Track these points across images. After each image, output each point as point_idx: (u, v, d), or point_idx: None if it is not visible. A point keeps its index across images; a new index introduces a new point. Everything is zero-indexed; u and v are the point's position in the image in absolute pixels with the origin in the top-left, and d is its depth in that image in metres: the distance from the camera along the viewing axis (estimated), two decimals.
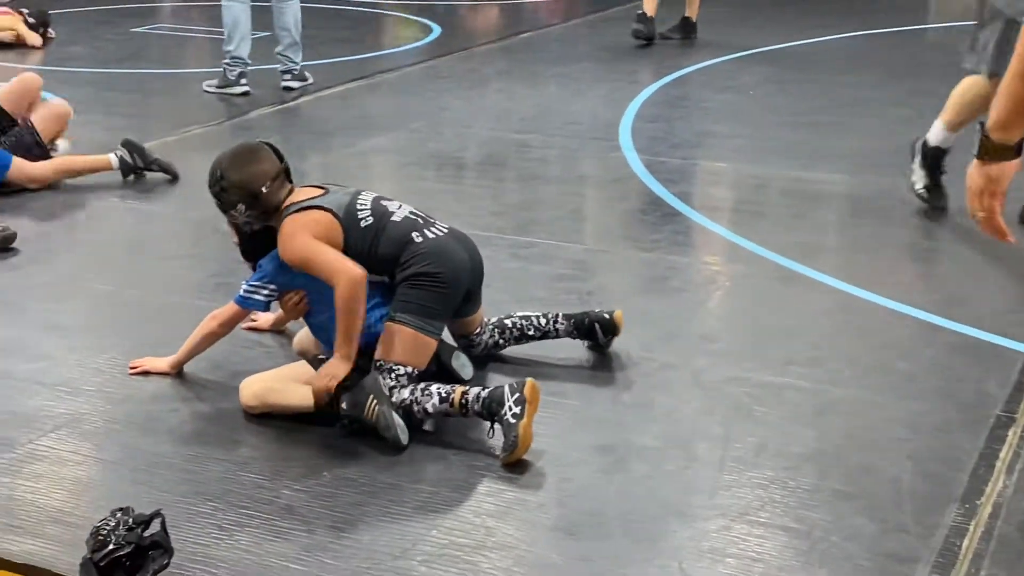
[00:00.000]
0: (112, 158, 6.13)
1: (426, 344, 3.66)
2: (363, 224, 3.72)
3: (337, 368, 3.60)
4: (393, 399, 3.56)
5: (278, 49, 8.25)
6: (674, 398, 3.84)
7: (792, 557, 3.00)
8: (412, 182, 6.37)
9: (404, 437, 3.50)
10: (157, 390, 3.89)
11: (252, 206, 3.74)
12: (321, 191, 3.82)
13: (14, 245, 5.15)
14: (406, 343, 3.62)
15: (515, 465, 3.41)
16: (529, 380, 3.48)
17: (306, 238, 3.63)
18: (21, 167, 5.90)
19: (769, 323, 4.44)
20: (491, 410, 3.47)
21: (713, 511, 3.20)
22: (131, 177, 6.14)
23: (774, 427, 3.64)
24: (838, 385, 3.93)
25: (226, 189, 3.77)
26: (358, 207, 3.76)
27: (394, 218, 3.78)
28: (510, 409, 3.42)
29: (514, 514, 3.20)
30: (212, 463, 3.44)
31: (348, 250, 3.68)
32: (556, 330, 4.07)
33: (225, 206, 3.81)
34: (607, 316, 4.06)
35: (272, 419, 3.66)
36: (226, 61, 8.10)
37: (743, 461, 3.44)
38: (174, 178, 6.16)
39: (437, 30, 10.76)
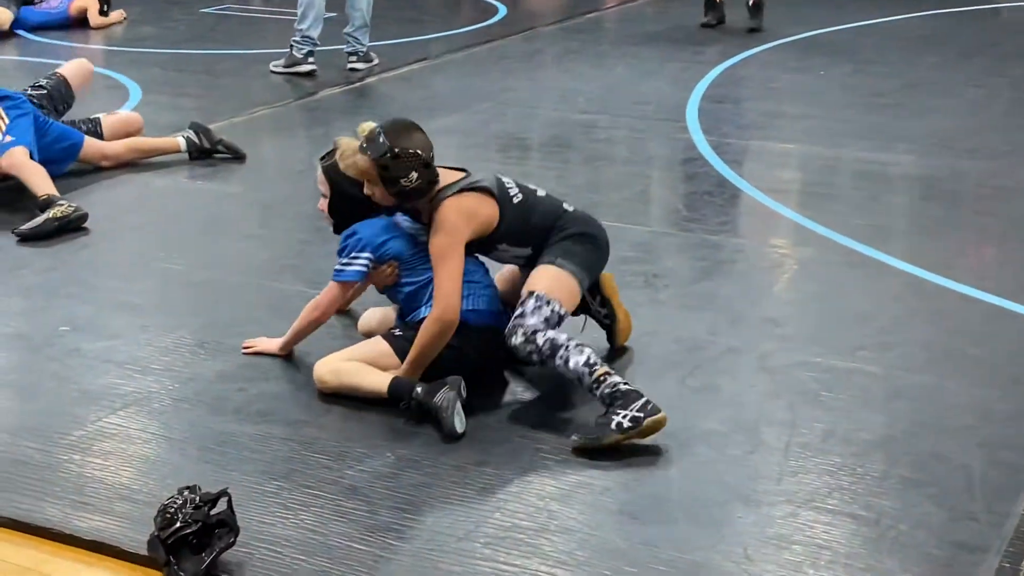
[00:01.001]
0: (180, 140, 6.19)
1: (578, 294, 3.75)
2: (515, 200, 3.80)
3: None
4: (549, 335, 3.56)
5: (347, 30, 8.27)
6: (740, 382, 3.81)
7: (860, 545, 2.97)
8: (477, 163, 6.28)
9: (460, 426, 3.48)
10: (224, 370, 3.92)
11: (423, 176, 3.66)
12: (464, 173, 3.83)
13: (85, 224, 5.21)
14: (565, 287, 3.70)
15: (581, 450, 3.39)
16: (662, 414, 3.38)
17: (460, 230, 3.65)
18: (94, 144, 5.98)
19: (838, 307, 4.39)
20: (612, 400, 3.44)
21: (779, 497, 3.17)
22: (198, 158, 6.19)
23: (842, 413, 3.59)
24: (908, 371, 3.87)
25: (399, 156, 3.61)
26: (507, 186, 3.83)
27: (539, 194, 3.89)
28: (625, 417, 3.39)
29: (577, 497, 3.18)
30: (277, 443, 3.46)
31: (503, 224, 3.74)
32: None
33: (394, 174, 3.62)
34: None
35: (337, 400, 3.68)
36: (296, 39, 8.14)
37: (810, 447, 3.40)
38: (240, 158, 6.20)
39: (503, 10, 10.74)
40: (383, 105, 7.56)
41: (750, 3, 9.45)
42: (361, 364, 3.68)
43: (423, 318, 3.68)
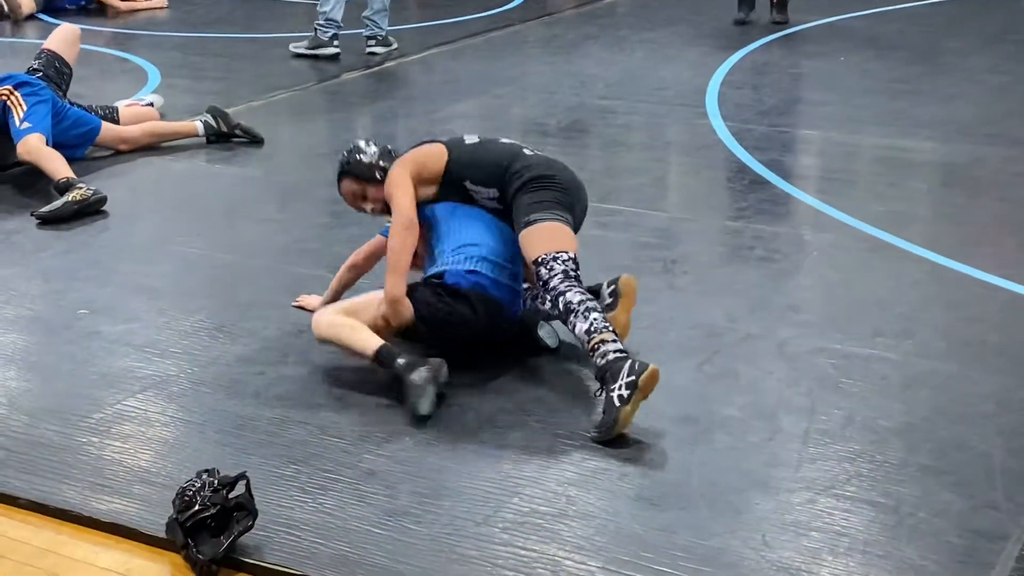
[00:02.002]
0: (198, 125, 6.19)
1: (568, 232, 3.76)
2: (468, 142, 4.02)
3: (387, 293, 3.71)
4: (565, 298, 3.59)
5: (366, 13, 8.26)
6: (759, 369, 3.79)
7: (879, 532, 2.96)
8: None
9: (426, 408, 3.48)
10: (243, 353, 3.93)
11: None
12: None
13: (104, 208, 5.23)
14: (552, 234, 3.72)
15: (600, 441, 3.39)
16: (651, 367, 3.38)
17: (398, 172, 3.86)
18: (111, 129, 5.99)
19: (857, 294, 4.37)
20: (603, 379, 3.44)
21: (798, 484, 3.16)
22: (216, 142, 6.19)
23: (861, 400, 3.58)
24: (927, 358, 3.85)
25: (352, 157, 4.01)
26: (464, 136, 4.08)
27: (502, 139, 4.07)
28: (619, 388, 3.38)
29: (596, 483, 3.18)
30: (296, 426, 3.47)
31: (452, 160, 3.92)
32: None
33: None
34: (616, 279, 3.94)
35: (356, 384, 3.68)
36: (320, 22, 8.13)
37: (829, 434, 3.39)
38: (258, 142, 6.20)
39: None
40: (401, 89, 7.56)
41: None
42: (357, 322, 3.69)
43: (432, 274, 3.79)
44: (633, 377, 3.36)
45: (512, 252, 3.85)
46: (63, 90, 5.98)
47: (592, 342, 3.50)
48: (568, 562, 2.85)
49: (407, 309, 3.70)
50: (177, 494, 2.92)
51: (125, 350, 3.95)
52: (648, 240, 4.87)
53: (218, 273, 4.64)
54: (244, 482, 2.93)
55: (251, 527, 2.88)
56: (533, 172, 3.86)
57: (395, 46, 8.37)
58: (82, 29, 6.49)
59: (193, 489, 2.90)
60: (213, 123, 6.19)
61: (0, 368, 3.88)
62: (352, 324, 3.68)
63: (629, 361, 3.41)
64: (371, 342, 3.63)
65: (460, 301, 3.71)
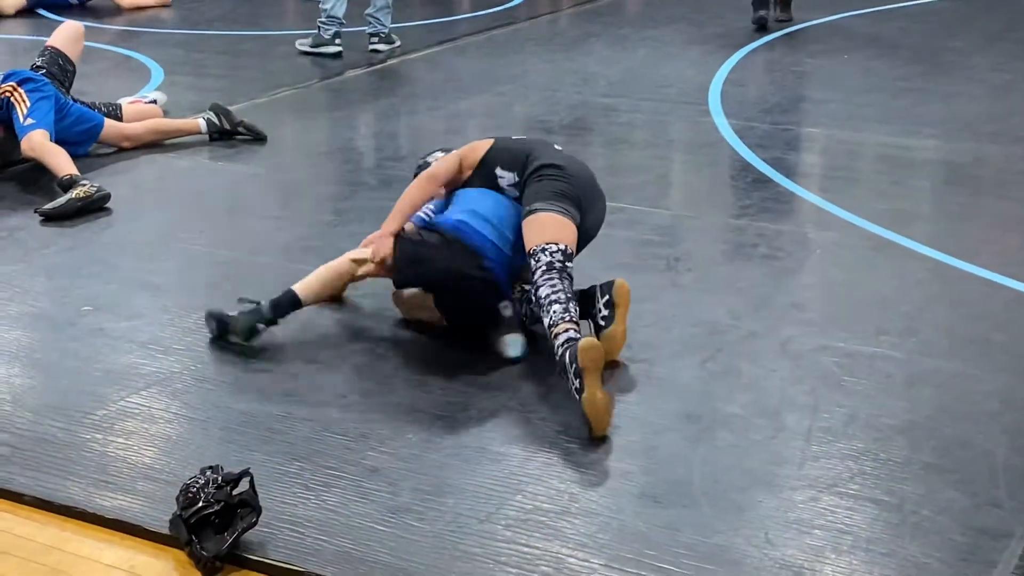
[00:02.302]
0: (201, 122, 6.19)
1: (565, 224, 3.78)
2: (514, 137, 4.27)
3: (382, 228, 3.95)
4: (539, 292, 3.64)
5: (368, 11, 8.26)
6: (762, 367, 3.79)
7: (882, 530, 2.96)
8: None
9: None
10: (246, 350, 3.93)
11: None
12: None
13: (108, 205, 5.23)
14: (546, 225, 3.75)
15: (596, 438, 3.39)
16: (583, 342, 3.37)
17: (449, 155, 4.13)
18: (114, 126, 5.99)
19: (860, 292, 4.37)
20: (562, 375, 3.47)
21: (801, 482, 3.16)
22: (219, 140, 6.19)
23: (864, 398, 3.58)
24: (931, 356, 3.85)
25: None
26: (514, 136, 4.32)
27: (545, 140, 4.29)
28: (571, 381, 3.40)
29: (599, 481, 3.18)
30: (299, 423, 3.47)
31: (493, 150, 4.05)
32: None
33: None
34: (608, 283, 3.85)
35: (360, 381, 3.69)
36: (322, 20, 8.14)
37: (832, 432, 3.39)
38: (261, 140, 6.20)
39: None
40: (404, 87, 7.56)
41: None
42: (334, 266, 4.00)
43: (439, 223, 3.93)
44: (575, 364, 3.38)
45: (512, 222, 3.90)
46: (67, 87, 5.98)
47: (551, 337, 3.55)
48: (571, 559, 2.85)
49: (387, 246, 3.84)
50: (181, 491, 2.93)
51: (129, 347, 3.95)
52: (651, 238, 4.87)
53: (221, 270, 4.64)
54: (248, 479, 2.94)
55: (255, 524, 2.89)
56: (545, 161, 3.93)
57: (398, 43, 8.37)
58: (85, 26, 6.49)
59: (197, 486, 2.90)
60: (216, 120, 6.19)
61: (4, 365, 3.88)
62: (329, 268, 4.02)
63: (567, 345, 3.45)
64: (329, 282, 4.03)
65: (434, 237, 3.83)
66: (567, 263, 3.72)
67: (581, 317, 3.69)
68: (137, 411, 3.55)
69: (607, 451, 3.31)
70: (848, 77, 7.57)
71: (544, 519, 3.01)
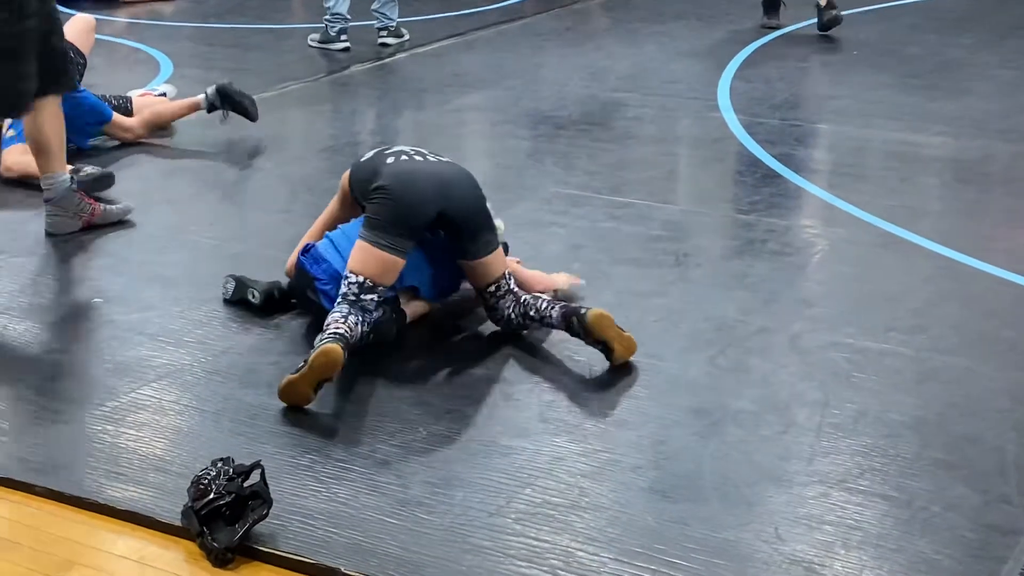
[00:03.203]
0: (201, 98, 6.16)
1: (375, 255, 3.70)
2: (362, 160, 4.04)
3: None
4: (335, 313, 3.66)
5: (375, 6, 8.26)
6: (771, 362, 3.80)
7: (892, 526, 2.96)
8: (507, 140, 6.36)
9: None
10: (256, 343, 3.94)
11: None
12: None
13: (115, 194, 5.23)
14: (357, 253, 3.73)
15: (609, 426, 3.40)
16: (317, 350, 3.46)
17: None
18: (120, 120, 5.99)
19: (870, 288, 4.37)
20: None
21: (810, 477, 3.16)
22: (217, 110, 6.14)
23: (874, 394, 3.58)
24: (940, 353, 3.85)
25: None
26: (368, 153, 4.10)
27: (388, 150, 3.97)
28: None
29: (608, 475, 3.19)
30: (310, 416, 3.47)
31: (352, 180, 4.01)
32: (551, 317, 3.81)
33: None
34: (583, 312, 3.72)
35: (371, 375, 3.69)
36: (327, 17, 8.14)
37: (842, 428, 3.40)
38: (252, 119, 6.14)
39: None
40: (412, 81, 7.55)
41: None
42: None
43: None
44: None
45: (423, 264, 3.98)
46: (78, 79, 5.98)
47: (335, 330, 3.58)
48: (581, 553, 2.86)
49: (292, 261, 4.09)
50: (192, 482, 2.93)
51: (139, 339, 3.96)
52: (660, 233, 4.87)
53: (231, 263, 4.63)
54: (259, 471, 2.95)
55: (266, 516, 2.89)
56: (377, 183, 3.80)
57: (407, 37, 8.37)
58: (96, 19, 6.49)
59: (208, 477, 2.91)
60: (216, 102, 6.11)
61: (15, 356, 3.89)
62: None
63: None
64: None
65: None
66: (361, 295, 3.68)
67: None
68: (148, 403, 3.56)
69: (617, 446, 3.32)
70: (857, 73, 7.56)
71: (554, 513, 3.01)
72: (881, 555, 2.85)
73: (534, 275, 4.15)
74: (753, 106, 6.76)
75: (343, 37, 8.15)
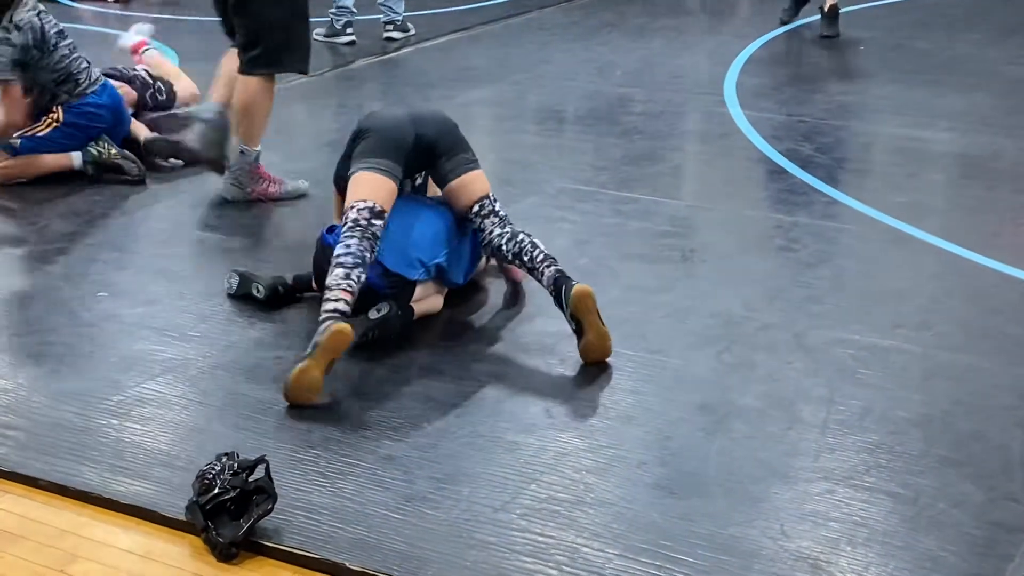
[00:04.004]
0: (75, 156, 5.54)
1: (372, 178, 3.84)
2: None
3: None
4: (348, 245, 3.70)
5: (380, 1, 8.25)
6: (777, 359, 3.79)
7: (898, 523, 2.95)
8: (513, 135, 6.35)
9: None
10: (261, 337, 3.94)
11: None
12: None
13: (122, 188, 5.23)
14: (354, 186, 3.86)
15: (615, 422, 3.39)
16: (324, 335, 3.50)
17: None
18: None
19: (876, 285, 4.36)
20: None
21: (816, 474, 3.15)
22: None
23: (880, 391, 3.57)
24: (946, 349, 3.84)
25: None
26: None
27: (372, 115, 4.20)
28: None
29: (614, 471, 3.18)
30: (314, 411, 3.47)
31: (336, 175, 4.17)
32: (541, 274, 3.84)
33: None
34: (572, 283, 3.72)
35: (375, 369, 3.69)
36: (332, 11, 8.14)
37: (847, 424, 3.39)
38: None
39: None
40: (417, 75, 7.55)
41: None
42: None
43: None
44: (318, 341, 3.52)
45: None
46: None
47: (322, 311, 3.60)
48: (586, 549, 2.85)
49: None
50: (197, 477, 2.93)
51: (144, 333, 3.96)
52: (666, 228, 4.86)
53: (236, 257, 4.64)
54: (264, 465, 2.95)
55: (271, 511, 2.89)
56: (352, 139, 4.03)
57: (413, 32, 8.36)
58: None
59: (213, 472, 2.91)
60: (94, 152, 5.48)
61: (21, 350, 3.89)
62: None
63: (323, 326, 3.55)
64: None
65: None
66: (373, 219, 3.76)
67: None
68: (153, 397, 3.56)
69: (622, 441, 3.31)
70: (864, 69, 7.55)
71: (559, 508, 3.01)
72: (887, 552, 2.85)
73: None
74: (760, 101, 6.75)
75: (349, 31, 8.15)
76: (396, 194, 3.88)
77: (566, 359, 3.78)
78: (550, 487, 3.10)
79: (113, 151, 5.45)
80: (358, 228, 3.73)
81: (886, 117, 6.48)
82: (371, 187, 3.82)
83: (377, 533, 2.90)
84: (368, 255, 3.71)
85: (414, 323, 3.93)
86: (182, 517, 2.94)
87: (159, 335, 3.94)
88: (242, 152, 5.11)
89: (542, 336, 3.90)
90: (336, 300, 3.59)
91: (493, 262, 4.27)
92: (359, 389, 3.61)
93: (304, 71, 5.32)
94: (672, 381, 3.66)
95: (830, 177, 5.55)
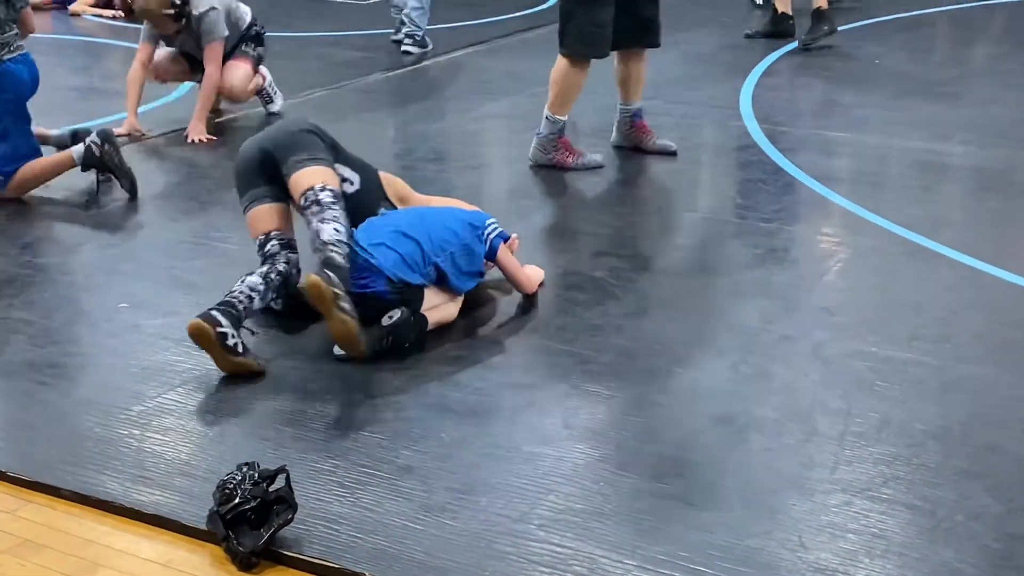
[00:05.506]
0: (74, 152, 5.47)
1: (249, 218, 4.19)
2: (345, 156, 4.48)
3: None
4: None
5: (404, 11, 8.30)
6: (794, 370, 3.80)
7: (916, 535, 2.96)
8: (528, 148, 6.36)
9: None
10: (280, 350, 3.96)
11: None
12: None
13: (139, 201, 5.26)
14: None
15: (632, 433, 3.41)
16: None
17: None
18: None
19: (893, 297, 4.36)
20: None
21: (834, 486, 3.16)
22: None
23: (897, 403, 3.58)
24: (964, 362, 3.85)
25: None
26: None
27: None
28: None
29: (631, 482, 3.18)
30: (333, 421, 3.49)
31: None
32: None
33: None
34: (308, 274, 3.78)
35: (393, 380, 3.71)
36: (409, 25, 8.32)
37: (865, 436, 3.39)
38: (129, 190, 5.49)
39: None
40: (434, 89, 7.58)
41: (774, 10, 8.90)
42: None
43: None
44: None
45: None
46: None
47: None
48: (604, 560, 2.86)
49: None
50: (218, 487, 2.95)
51: (165, 344, 3.99)
52: (682, 241, 4.88)
53: (253, 267, 4.66)
54: (284, 475, 2.96)
55: (291, 520, 2.91)
56: None
57: (430, 47, 8.40)
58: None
59: (234, 482, 2.93)
60: (95, 151, 5.38)
61: (41, 360, 3.92)
62: None
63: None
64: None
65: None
66: (267, 245, 4.11)
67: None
68: (173, 407, 3.58)
69: (639, 453, 3.32)
70: (880, 82, 7.55)
71: (577, 519, 3.02)
72: (905, 564, 2.85)
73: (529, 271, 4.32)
74: (776, 114, 6.76)
75: (408, 41, 8.34)
76: (282, 208, 4.16)
77: (584, 369, 3.79)
78: (568, 498, 3.11)
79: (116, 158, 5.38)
80: (267, 259, 4.08)
81: (902, 130, 6.49)
82: (253, 226, 4.16)
83: (396, 543, 2.92)
84: (275, 276, 4.00)
85: (430, 333, 3.95)
86: (203, 526, 2.96)
87: (179, 346, 3.96)
88: (549, 119, 5.65)
89: (558, 346, 3.91)
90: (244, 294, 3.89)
91: (500, 274, 4.27)
92: (376, 400, 3.62)
93: (583, 55, 5.82)
94: (689, 393, 3.67)
95: (846, 190, 5.55)
